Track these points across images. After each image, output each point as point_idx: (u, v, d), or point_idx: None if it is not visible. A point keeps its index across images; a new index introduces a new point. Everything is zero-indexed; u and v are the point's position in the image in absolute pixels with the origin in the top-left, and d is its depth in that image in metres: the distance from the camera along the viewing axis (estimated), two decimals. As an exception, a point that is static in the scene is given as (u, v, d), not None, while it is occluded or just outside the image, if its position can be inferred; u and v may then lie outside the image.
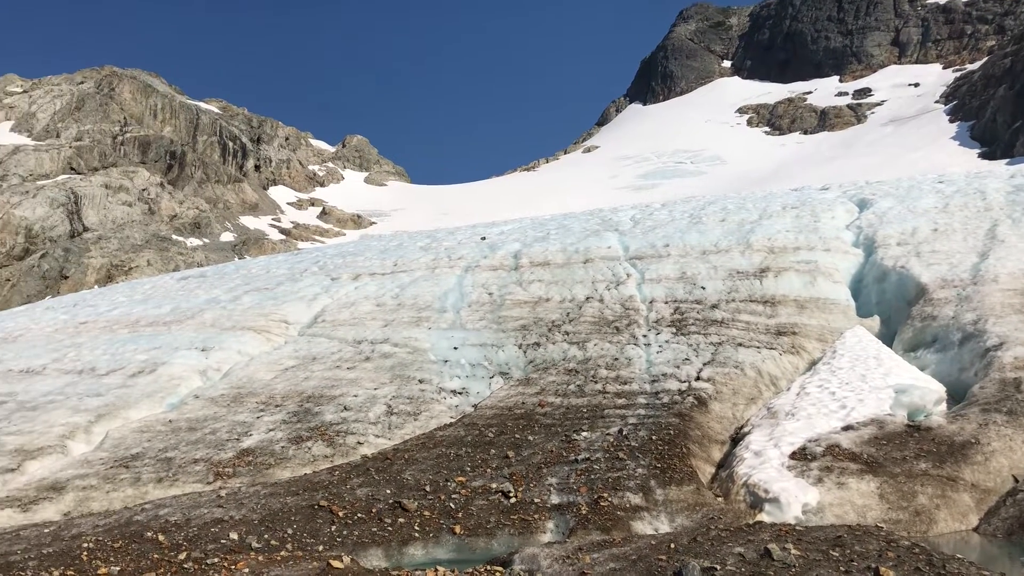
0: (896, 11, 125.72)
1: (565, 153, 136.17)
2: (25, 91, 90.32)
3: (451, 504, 9.92)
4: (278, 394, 14.74)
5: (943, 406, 12.03)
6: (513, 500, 9.92)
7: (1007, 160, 58.36)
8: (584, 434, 11.73)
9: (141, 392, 15.18)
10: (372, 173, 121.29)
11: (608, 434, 11.60)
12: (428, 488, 10.38)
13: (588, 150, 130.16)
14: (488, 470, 10.87)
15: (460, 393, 14.81)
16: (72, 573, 8.23)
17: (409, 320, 17.65)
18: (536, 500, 9.89)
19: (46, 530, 9.77)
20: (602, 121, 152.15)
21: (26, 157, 74.66)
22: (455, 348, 16.21)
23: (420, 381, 14.94)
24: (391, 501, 10.03)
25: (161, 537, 9.15)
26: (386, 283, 20.22)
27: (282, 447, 12.42)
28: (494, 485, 10.30)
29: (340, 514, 9.72)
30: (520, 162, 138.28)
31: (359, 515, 9.73)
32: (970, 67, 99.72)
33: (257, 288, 22.00)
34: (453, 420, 13.60)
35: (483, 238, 23.38)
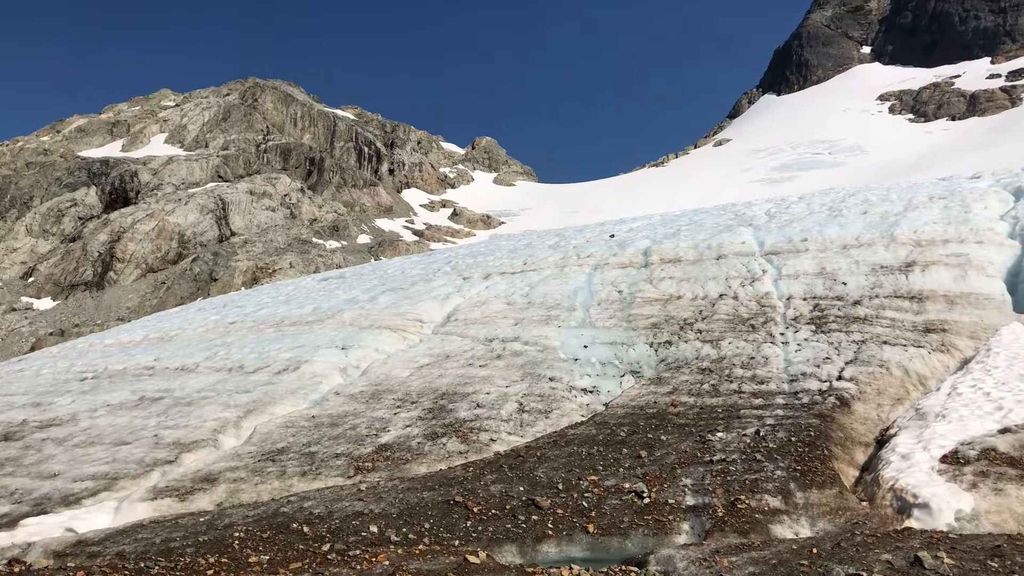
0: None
1: (695, 147, 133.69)
2: (177, 104, 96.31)
3: (584, 503, 9.91)
4: (414, 391, 15.13)
5: (1115, 409, 11.09)
6: (647, 500, 9.82)
7: None
8: (719, 435, 11.49)
9: (286, 389, 15.89)
10: (501, 174, 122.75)
11: (744, 435, 11.32)
12: (561, 486, 10.41)
13: (719, 143, 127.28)
14: (620, 469, 10.81)
15: (591, 392, 14.78)
16: (226, 560, 8.71)
17: (539, 319, 17.75)
18: (670, 501, 9.75)
19: (201, 519, 10.38)
20: (734, 114, 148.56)
21: (178, 167, 79.53)
22: (585, 346, 16.19)
23: (551, 379, 15.00)
24: (524, 498, 10.11)
25: (306, 528, 9.56)
26: (516, 282, 20.42)
27: (418, 443, 12.73)
28: (627, 485, 10.23)
29: (475, 510, 9.88)
30: (649, 158, 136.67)
31: (493, 511, 9.86)
32: None
33: (392, 288, 22.66)
34: (584, 419, 13.59)
35: (612, 235, 23.25)
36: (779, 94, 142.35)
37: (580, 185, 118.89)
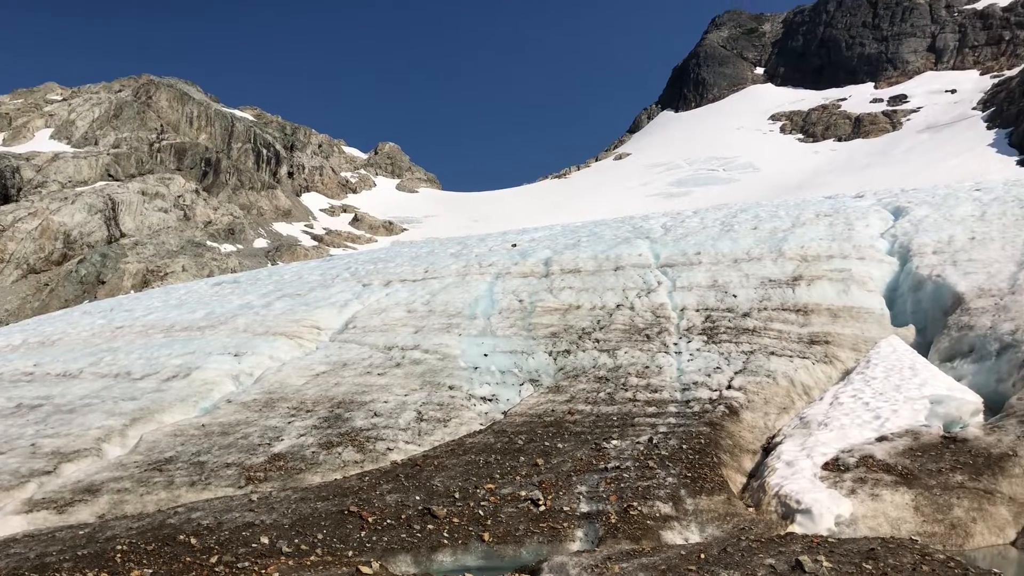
0: (932, 17, 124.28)
1: (596, 160, 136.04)
2: (65, 99, 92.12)
3: (480, 511, 9.92)
4: (309, 399, 14.85)
5: (980, 417, 11.80)
6: (542, 508, 9.89)
7: (1047, 167, 57.30)
8: (614, 442, 11.68)
9: (175, 396, 15.36)
10: (404, 180, 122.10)
11: (638, 443, 11.54)
12: (457, 495, 10.39)
13: (619, 157, 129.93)
14: (517, 477, 10.86)
15: (490, 400, 14.82)
16: (106, 575, 8.34)
17: (439, 327, 17.71)
18: (565, 508, 9.86)
19: (81, 532, 9.91)
20: (633, 128, 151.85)
21: (65, 164, 76.08)
22: (485, 355, 16.24)
23: (450, 388, 14.97)
24: (420, 508, 10.05)
25: (193, 540, 9.25)
26: (417, 289, 20.31)
27: (313, 452, 12.50)
28: (523, 493, 10.29)
29: (370, 520, 9.76)
30: (551, 169, 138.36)
31: (388, 521, 9.76)
32: (1008, 73, 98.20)
33: (289, 294, 22.21)
34: (483, 427, 13.61)
35: (514, 245, 23.41)
36: (677, 111, 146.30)
37: (484, 194, 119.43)
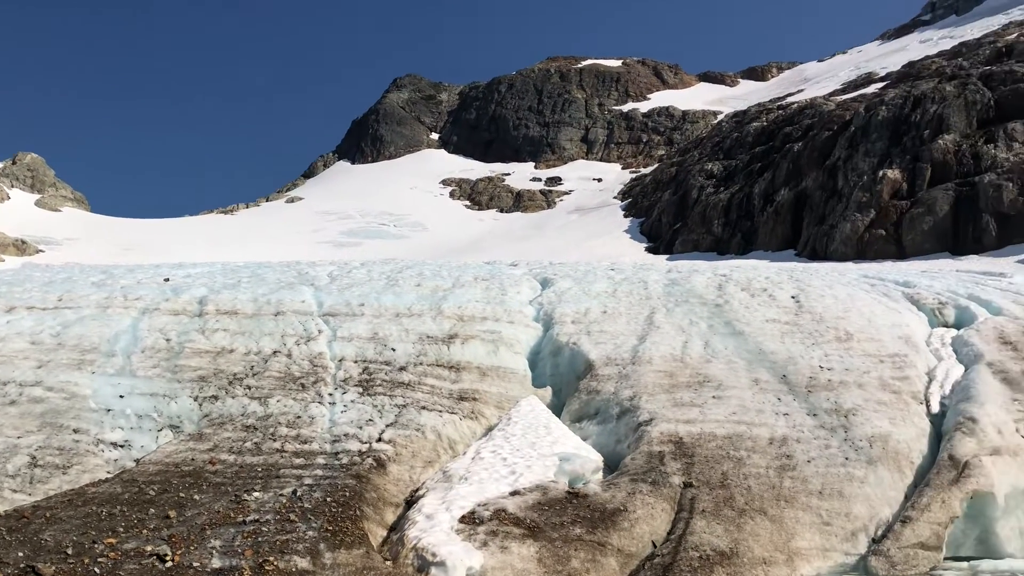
0: (587, 112, 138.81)
1: (267, 200, 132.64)
2: None
3: (96, 568, 8.96)
4: None
5: (600, 475, 13.03)
6: (169, 564, 9.19)
7: (667, 256, 65.78)
8: (256, 494, 11.23)
9: None
10: (46, 196, 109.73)
11: (281, 495, 11.20)
12: (71, 550, 9.32)
13: (292, 200, 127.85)
14: (145, 531, 10.01)
15: (122, 446, 13.56)
16: None
17: (70, 362, 15.95)
18: (195, 564, 9.24)
19: None
20: (309, 174, 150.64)
21: None
22: (121, 396, 14.88)
23: (75, 431, 13.48)
24: (23, 565, 8.86)
25: None
26: (47, 319, 18.17)
27: None
28: (149, 547, 9.49)
29: (-45, 581, 8.41)
30: (218, 204, 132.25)
31: (-21, 582, 8.48)
32: (644, 170, 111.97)
33: None
34: (110, 475, 12.40)
35: (167, 279, 21.91)
36: (354, 162, 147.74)
37: (140, 221, 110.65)
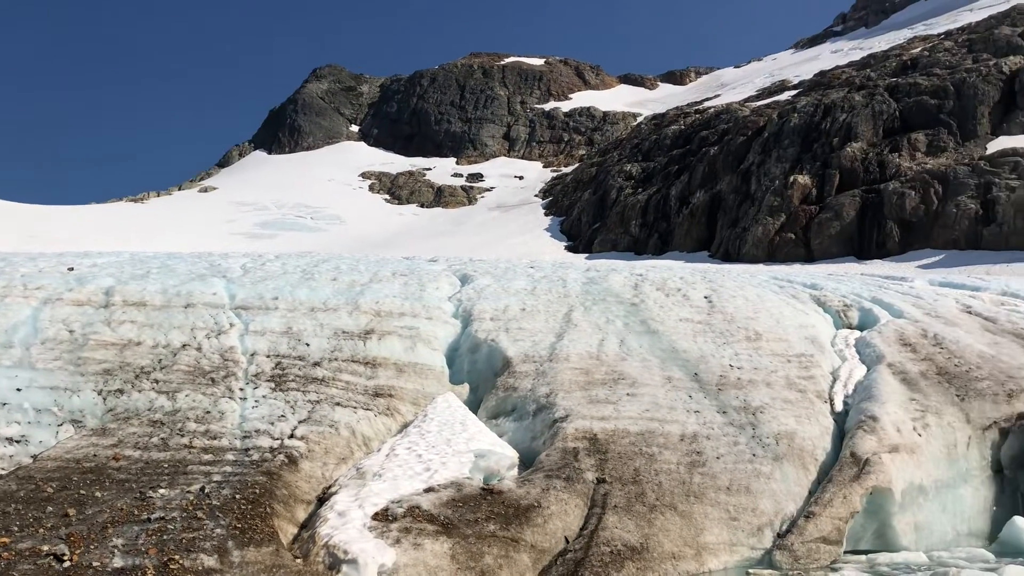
0: (509, 109, 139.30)
1: (180, 189, 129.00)
2: None
3: (-13, 570, 8.57)
4: None
5: (515, 471, 13.08)
6: (67, 564, 8.84)
7: (586, 255, 66.56)
8: (162, 491, 10.90)
9: None
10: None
11: (189, 492, 10.90)
12: (-40, 552, 8.88)
13: (205, 190, 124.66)
14: (41, 530, 9.61)
15: (18, 442, 12.98)
16: None
17: (-37, 353, 15.20)
18: (95, 563, 8.92)
19: None
20: (223, 163, 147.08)
21: None
22: (19, 389, 14.24)
23: (-32, 425, 12.86)
24: (-93, 568, 8.41)
25: None
26: (-62, 308, 17.28)
27: None
28: (46, 547, 9.11)
29: None
30: (127, 192, 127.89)
31: None
32: (564, 170, 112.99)
33: None
34: (4, 472, 11.86)
35: (71, 268, 21.07)
36: (270, 152, 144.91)
37: (45, 208, 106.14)
